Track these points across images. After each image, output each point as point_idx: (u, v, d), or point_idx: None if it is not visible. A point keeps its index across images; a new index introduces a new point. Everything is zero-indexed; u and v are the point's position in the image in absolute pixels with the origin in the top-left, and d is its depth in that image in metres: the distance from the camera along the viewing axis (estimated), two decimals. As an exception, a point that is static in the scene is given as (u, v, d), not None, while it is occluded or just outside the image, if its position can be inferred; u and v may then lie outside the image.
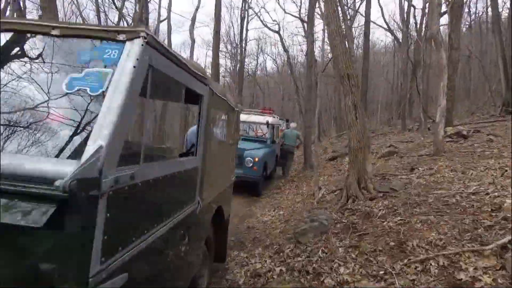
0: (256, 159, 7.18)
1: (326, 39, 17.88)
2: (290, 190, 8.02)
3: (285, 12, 22.62)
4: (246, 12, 19.51)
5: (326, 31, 7.18)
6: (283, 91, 27.90)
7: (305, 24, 21.83)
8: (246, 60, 26.74)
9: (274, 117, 9.81)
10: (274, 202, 6.97)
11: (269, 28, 22.14)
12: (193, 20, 17.11)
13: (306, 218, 4.35)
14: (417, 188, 4.49)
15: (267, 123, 8.44)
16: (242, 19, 18.77)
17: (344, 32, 5.07)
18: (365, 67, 12.51)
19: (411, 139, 10.40)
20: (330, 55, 22.25)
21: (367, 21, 11.62)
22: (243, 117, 8.99)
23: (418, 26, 17.38)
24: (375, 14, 24.83)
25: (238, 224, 5.51)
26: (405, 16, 15.78)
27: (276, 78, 30.03)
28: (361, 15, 26.56)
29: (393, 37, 22.98)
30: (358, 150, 4.96)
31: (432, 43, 7.89)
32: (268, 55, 32.20)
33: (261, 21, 21.85)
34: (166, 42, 18.43)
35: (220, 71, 29.32)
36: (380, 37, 73.62)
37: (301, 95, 22.36)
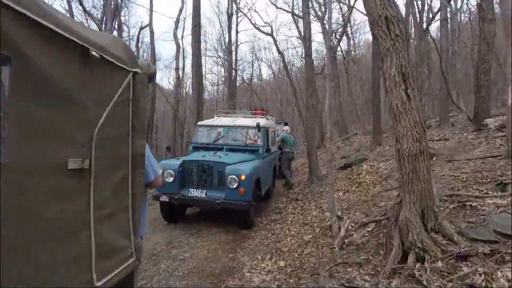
0: (243, 177, 4.74)
1: (322, 39, 15.55)
2: (294, 215, 5.54)
3: (277, 8, 20.19)
4: (236, 12, 17.34)
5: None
6: (280, 95, 25.58)
7: (300, 21, 19.67)
8: (240, 66, 24.55)
9: (268, 119, 7.40)
10: (271, 239, 4.49)
11: (261, 31, 19.91)
12: (177, 22, 14.95)
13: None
14: None
15: (258, 127, 6.03)
16: (230, 17, 16.52)
17: None
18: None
19: (442, 136, 7.92)
20: (325, 58, 20.09)
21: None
22: (225, 121, 6.61)
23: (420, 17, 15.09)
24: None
25: (208, 298, 3.04)
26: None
27: (272, 84, 27.79)
28: (358, 11, 24.37)
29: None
30: (417, 157, 2.52)
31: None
32: (262, 60, 29.89)
33: (252, 24, 19.70)
34: (149, 49, 16.26)
35: (216, 79, 27.05)
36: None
37: (300, 96, 20.03)
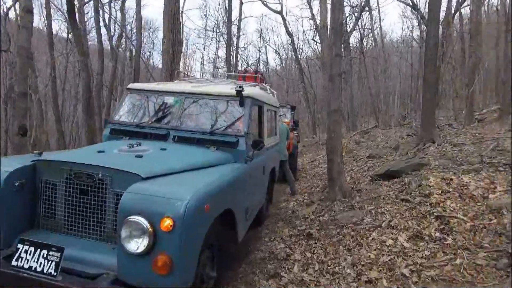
0: (167, 223, 1.49)
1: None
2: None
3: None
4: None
5: None
6: (287, 83, 21.96)
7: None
8: (245, 49, 20.93)
9: (266, 89, 4.00)
10: None
11: (269, 8, 16.33)
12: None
13: None
14: None
15: (240, 95, 2.72)
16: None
17: None
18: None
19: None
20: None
21: None
22: (182, 86, 3.28)
23: None
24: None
25: None
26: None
27: (278, 71, 24.12)
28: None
29: (416, 13, 16.68)
30: None
31: None
32: (269, 45, 25.91)
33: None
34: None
35: (220, 65, 23.27)
36: (392, 25, 59.86)
37: (308, 81, 16.53)
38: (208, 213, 1.73)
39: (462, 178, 3.42)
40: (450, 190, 3.26)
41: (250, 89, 3.05)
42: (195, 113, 2.90)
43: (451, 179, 3.46)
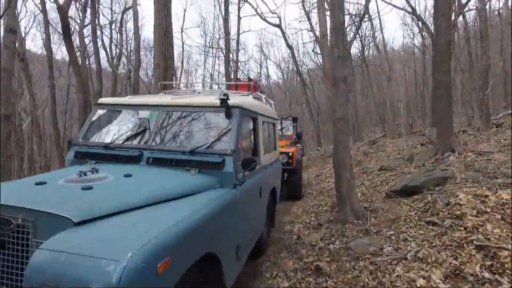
0: None
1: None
2: None
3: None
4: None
5: None
6: (289, 96, 21.59)
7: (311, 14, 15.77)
8: (243, 59, 20.76)
9: (261, 98, 3.51)
10: None
11: (268, 22, 16.19)
12: None
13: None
14: None
15: (226, 105, 2.24)
16: (226, -8, 12.76)
17: None
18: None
19: None
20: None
21: None
22: (159, 99, 2.79)
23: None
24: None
25: None
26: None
27: (280, 85, 23.88)
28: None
29: (417, 19, 16.33)
30: None
31: None
32: (269, 59, 25.33)
33: (256, 12, 15.92)
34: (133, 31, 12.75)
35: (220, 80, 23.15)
36: (393, 33, 56.03)
37: (311, 92, 16.12)
38: (167, 271, 1.19)
39: (500, 195, 2.82)
40: (488, 210, 2.65)
41: (239, 98, 2.57)
42: (173, 129, 2.41)
43: (486, 196, 2.86)
